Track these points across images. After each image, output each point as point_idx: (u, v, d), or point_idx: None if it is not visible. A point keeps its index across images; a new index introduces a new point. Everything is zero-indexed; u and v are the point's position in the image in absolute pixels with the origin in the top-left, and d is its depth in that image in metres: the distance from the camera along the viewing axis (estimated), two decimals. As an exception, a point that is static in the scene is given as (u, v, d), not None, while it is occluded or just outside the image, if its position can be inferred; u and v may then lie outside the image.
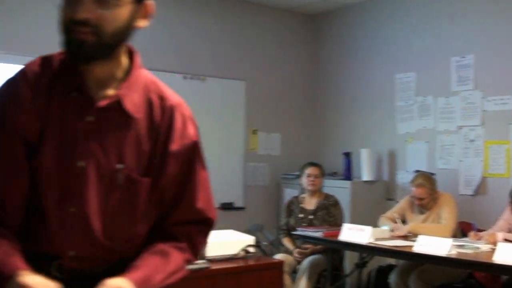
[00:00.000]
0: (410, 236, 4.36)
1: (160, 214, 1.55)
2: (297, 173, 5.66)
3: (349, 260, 5.30)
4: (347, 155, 6.13)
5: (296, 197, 5.38)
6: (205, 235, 1.62)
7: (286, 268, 4.46)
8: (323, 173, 5.35)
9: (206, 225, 1.61)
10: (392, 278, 4.62)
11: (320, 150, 6.79)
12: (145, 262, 1.45)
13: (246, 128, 6.43)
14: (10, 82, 1.45)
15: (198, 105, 6.04)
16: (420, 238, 3.92)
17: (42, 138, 1.43)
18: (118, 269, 1.43)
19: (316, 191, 5.24)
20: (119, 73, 1.49)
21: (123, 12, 1.39)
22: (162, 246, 1.50)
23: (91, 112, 1.45)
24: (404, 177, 5.73)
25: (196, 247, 1.58)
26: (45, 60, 1.47)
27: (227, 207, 6.19)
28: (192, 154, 1.57)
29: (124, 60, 1.51)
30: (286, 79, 6.79)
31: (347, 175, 6.06)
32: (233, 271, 3.41)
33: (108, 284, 1.33)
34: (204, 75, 6.12)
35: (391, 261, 5.21)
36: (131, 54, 1.54)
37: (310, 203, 5.22)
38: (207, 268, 3.32)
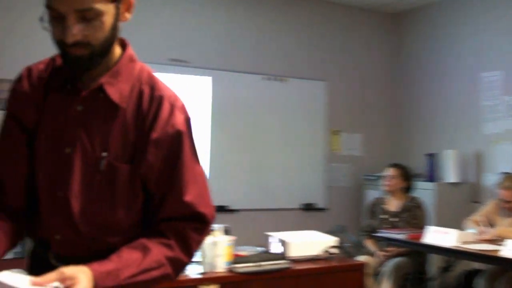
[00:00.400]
0: (497, 240, 4.23)
1: (150, 209, 1.55)
2: (379, 174, 5.61)
3: (433, 263, 5.20)
4: (431, 156, 6.01)
5: (379, 198, 5.31)
6: (199, 232, 1.55)
7: (368, 270, 4.43)
8: (404, 174, 5.23)
9: (199, 221, 1.55)
10: (479, 283, 4.50)
11: (403, 151, 6.68)
12: (117, 255, 1.43)
13: (327, 129, 6.42)
14: (17, 77, 1.62)
15: (279, 106, 6.10)
16: (509, 242, 3.81)
17: (38, 127, 1.56)
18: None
19: (396, 192, 5.16)
20: (111, 65, 1.56)
21: (107, 19, 1.44)
22: (143, 241, 1.48)
23: (79, 101, 1.53)
24: (490, 179, 5.56)
25: (188, 245, 1.53)
26: (50, 59, 1.62)
27: (309, 208, 6.21)
28: (177, 144, 1.53)
29: (117, 51, 1.58)
30: (368, 79, 6.73)
31: (431, 176, 5.94)
32: (315, 272, 3.43)
33: (63, 271, 1.30)
34: (285, 76, 6.16)
35: (477, 265, 5.07)
36: (125, 46, 1.61)
37: (393, 204, 5.15)
38: (289, 268, 3.36)
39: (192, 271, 3.17)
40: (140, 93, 1.55)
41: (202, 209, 1.54)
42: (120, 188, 1.51)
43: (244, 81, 5.91)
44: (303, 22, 6.36)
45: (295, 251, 3.48)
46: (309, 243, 3.58)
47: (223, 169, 5.75)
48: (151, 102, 1.54)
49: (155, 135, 1.51)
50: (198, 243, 1.56)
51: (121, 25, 1.51)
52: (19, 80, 1.62)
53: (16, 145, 1.57)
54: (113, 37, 1.50)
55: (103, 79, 1.52)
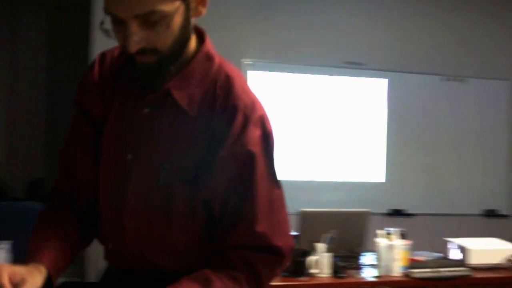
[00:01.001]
0: None
1: (218, 233, 1.36)
2: None
3: None
4: None
5: None
6: (272, 266, 1.35)
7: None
8: None
9: (273, 253, 1.33)
10: None
11: None
12: (175, 286, 1.26)
13: (510, 131, 6.08)
14: (90, 64, 1.47)
15: (457, 107, 5.89)
16: None
17: (104, 124, 1.43)
18: (160, 280, 1.33)
19: None
20: (184, 63, 1.36)
21: (175, 19, 1.25)
22: (207, 272, 1.29)
23: (146, 102, 1.37)
24: None
25: (259, 280, 1.32)
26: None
27: (490, 214, 5.93)
28: (248, 167, 1.31)
29: (192, 46, 1.38)
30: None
31: None
32: (497, 282, 3.30)
33: None
34: (464, 76, 5.94)
35: None
36: (202, 39, 1.41)
37: None
38: (468, 276, 3.27)
39: (367, 274, 3.21)
40: (213, 100, 1.34)
41: (277, 241, 1.33)
42: (177, 208, 1.34)
43: (421, 82, 5.79)
44: (484, 17, 6.06)
45: (475, 259, 3.37)
46: (490, 251, 3.45)
47: (400, 173, 5.69)
48: (223, 112, 1.32)
49: (222, 153, 1.30)
50: (270, 278, 1.36)
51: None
52: (91, 67, 1.46)
53: (86, 139, 1.44)
54: (184, 38, 1.30)
55: (171, 83, 1.33)
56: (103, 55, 1.47)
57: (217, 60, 1.39)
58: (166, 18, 1.23)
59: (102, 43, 4.67)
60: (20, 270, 1.21)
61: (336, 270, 3.17)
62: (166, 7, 1.21)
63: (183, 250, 1.38)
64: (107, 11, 1.23)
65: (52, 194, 1.48)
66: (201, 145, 1.32)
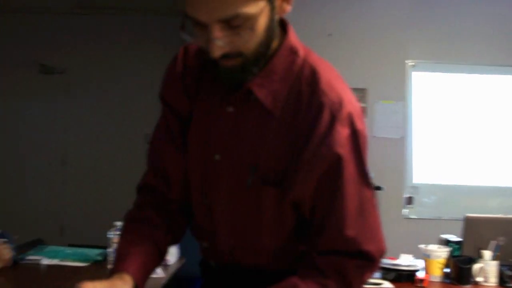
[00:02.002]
0: None
1: (307, 237, 1.31)
2: None
3: None
4: None
5: None
6: (363, 271, 1.27)
7: None
8: None
9: (363, 258, 1.26)
10: None
11: None
12: None
13: None
14: (172, 58, 1.42)
15: None
16: None
17: (190, 119, 1.38)
18: (252, 278, 1.35)
19: None
20: (266, 59, 1.28)
21: (259, 21, 1.18)
22: (295, 281, 1.24)
23: (230, 101, 1.31)
24: None
25: (350, 285, 1.25)
26: None
27: None
28: (335, 169, 1.23)
29: (276, 42, 1.29)
30: None
31: None
32: None
33: None
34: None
35: None
36: (285, 30, 1.32)
37: None
38: None
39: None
40: (298, 97, 1.26)
41: (367, 245, 1.25)
42: (265, 212, 1.30)
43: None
44: None
45: None
46: None
47: None
48: (309, 110, 1.25)
49: (307, 154, 1.23)
50: (361, 283, 1.29)
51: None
52: (173, 62, 1.41)
53: (173, 133, 1.40)
54: (269, 39, 1.23)
55: (253, 81, 1.26)
56: (186, 49, 1.41)
57: (301, 53, 1.30)
58: (250, 20, 1.16)
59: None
60: (102, 286, 1.21)
61: (503, 280, 3.03)
62: (250, 9, 1.15)
63: (272, 251, 1.35)
64: (188, 15, 1.18)
65: (141, 191, 1.46)
66: (287, 146, 1.26)
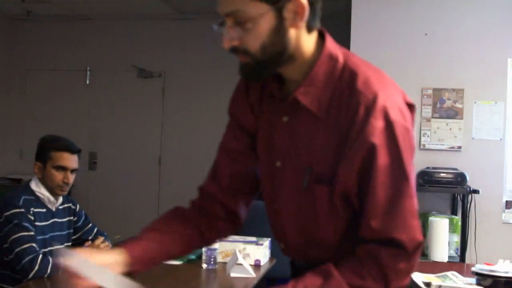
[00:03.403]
0: None
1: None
2: None
3: None
4: None
5: None
6: (397, 260, 1.30)
7: None
8: None
9: (395, 247, 1.30)
10: None
11: None
12: (300, 279, 1.34)
13: None
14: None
15: None
16: None
17: (257, 133, 1.52)
18: None
19: None
20: (307, 67, 1.38)
21: (261, 25, 1.29)
22: (329, 267, 1.32)
23: (285, 111, 1.44)
24: None
25: (384, 273, 1.29)
26: None
27: None
28: (369, 160, 1.29)
29: (309, 49, 1.38)
30: None
31: None
32: None
33: None
34: None
35: None
36: (323, 39, 1.41)
37: None
38: None
39: None
40: (340, 99, 1.35)
41: (398, 234, 1.30)
42: (321, 208, 1.39)
43: None
44: None
45: None
46: None
47: None
48: (348, 109, 1.33)
49: (347, 149, 1.32)
50: (398, 273, 1.31)
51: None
52: (240, 80, 1.57)
53: (233, 148, 1.57)
54: (277, 45, 1.32)
55: (299, 90, 1.38)
56: None
57: (341, 58, 1.38)
58: (251, 20, 1.28)
59: (360, 50, 4.84)
60: (84, 252, 1.40)
61: None
62: (249, 9, 1.27)
63: (336, 244, 1.42)
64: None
65: (198, 192, 1.62)
66: (334, 145, 1.35)
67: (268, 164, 1.50)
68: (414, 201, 1.33)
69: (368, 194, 1.31)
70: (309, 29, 1.36)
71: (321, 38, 1.41)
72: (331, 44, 1.40)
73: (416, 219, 1.33)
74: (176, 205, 1.60)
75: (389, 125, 1.30)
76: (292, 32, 1.32)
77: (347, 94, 1.33)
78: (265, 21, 1.29)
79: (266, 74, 1.39)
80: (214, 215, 1.57)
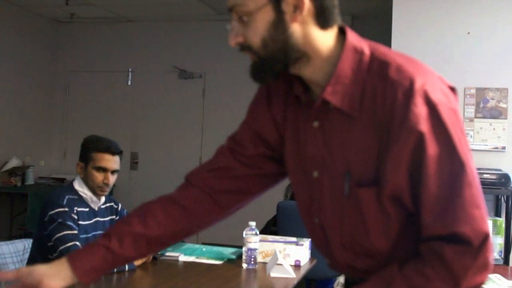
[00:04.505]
0: None
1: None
2: None
3: None
4: None
5: None
6: (462, 255, 1.17)
7: None
8: None
9: (459, 243, 1.17)
10: None
11: None
12: (362, 285, 1.27)
13: None
14: (259, 86, 1.49)
15: None
16: None
17: (284, 145, 1.43)
18: None
19: None
20: (329, 69, 1.28)
21: (259, 19, 1.24)
22: (393, 269, 1.23)
23: (314, 116, 1.33)
24: None
25: (451, 270, 1.17)
26: None
27: None
28: (418, 150, 1.18)
29: (328, 46, 1.28)
30: None
31: None
32: None
33: None
34: None
35: None
36: (344, 34, 1.31)
37: None
38: None
39: None
40: (373, 93, 1.24)
41: (459, 228, 1.17)
42: (368, 213, 1.28)
43: None
44: None
45: None
46: None
47: None
48: (385, 102, 1.21)
49: (392, 147, 1.20)
50: (466, 269, 1.17)
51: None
52: (259, 91, 1.50)
53: (243, 152, 1.51)
54: (277, 41, 1.25)
55: (326, 90, 1.27)
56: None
57: (366, 50, 1.28)
58: (249, 14, 1.24)
59: (401, 49, 4.79)
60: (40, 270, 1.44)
61: None
62: (248, 2, 1.24)
63: (388, 252, 1.30)
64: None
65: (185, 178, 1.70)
66: (374, 143, 1.24)
67: (303, 175, 1.39)
68: (474, 189, 1.19)
69: (422, 189, 1.19)
70: (322, 25, 1.26)
71: (342, 34, 1.31)
72: (353, 37, 1.30)
73: (479, 209, 1.19)
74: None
75: (433, 109, 1.18)
76: (295, 28, 1.24)
77: (380, 86, 1.22)
78: (264, 15, 1.23)
79: (273, 74, 1.30)
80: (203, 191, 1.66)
